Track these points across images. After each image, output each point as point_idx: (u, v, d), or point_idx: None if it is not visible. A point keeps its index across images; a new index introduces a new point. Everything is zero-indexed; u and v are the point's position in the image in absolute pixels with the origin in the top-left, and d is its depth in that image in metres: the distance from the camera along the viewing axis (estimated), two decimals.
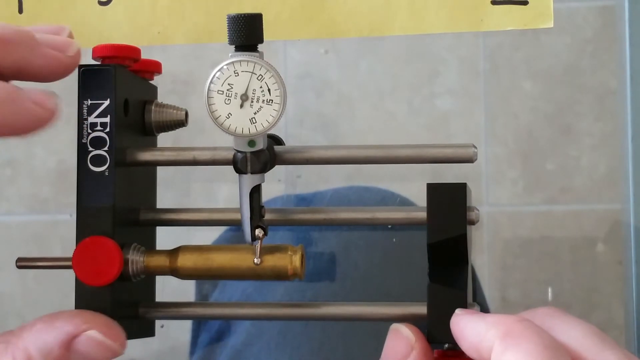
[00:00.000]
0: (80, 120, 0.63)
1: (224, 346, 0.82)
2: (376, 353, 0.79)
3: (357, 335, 0.78)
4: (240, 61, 0.59)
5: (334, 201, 0.86)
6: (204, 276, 0.64)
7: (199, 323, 0.86)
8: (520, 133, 0.93)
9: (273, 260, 0.63)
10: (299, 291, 0.79)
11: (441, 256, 0.62)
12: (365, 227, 0.82)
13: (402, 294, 0.77)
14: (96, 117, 0.63)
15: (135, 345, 0.94)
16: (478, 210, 0.63)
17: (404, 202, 0.84)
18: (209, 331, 0.84)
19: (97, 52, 0.64)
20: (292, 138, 0.94)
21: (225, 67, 0.59)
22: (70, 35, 0.59)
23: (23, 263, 0.65)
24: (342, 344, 0.78)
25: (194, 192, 0.95)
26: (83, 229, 0.62)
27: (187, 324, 0.87)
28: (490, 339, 0.54)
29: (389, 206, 0.76)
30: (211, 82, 0.59)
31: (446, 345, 0.63)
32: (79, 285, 0.62)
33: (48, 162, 0.97)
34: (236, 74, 0.59)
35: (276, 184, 0.90)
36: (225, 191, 0.94)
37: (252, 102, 0.59)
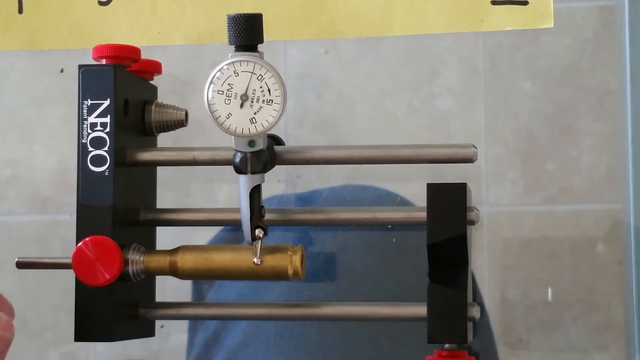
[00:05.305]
0: (80, 120, 0.63)
1: (221, 346, 0.82)
2: (373, 354, 0.79)
3: (354, 335, 0.78)
4: (240, 61, 0.59)
5: (330, 200, 0.86)
6: (204, 276, 0.64)
7: (195, 323, 0.86)
8: (520, 133, 0.93)
9: (273, 261, 0.63)
10: (295, 291, 0.79)
11: (441, 256, 0.62)
12: (364, 227, 0.82)
13: (400, 294, 0.77)
14: (96, 117, 0.63)
15: (136, 345, 0.94)
16: (478, 210, 0.63)
17: (404, 202, 0.84)
18: (205, 331, 0.84)
19: (97, 52, 0.64)
20: (292, 138, 0.93)
21: (225, 67, 0.59)
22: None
23: (23, 263, 0.65)
24: (339, 345, 0.78)
25: (194, 192, 0.95)
26: (83, 229, 0.62)
27: (186, 324, 0.87)
28: None
29: (389, 206, 0.76)
30: (211, 82, 0.59)
31: (446, 346, 0.63)
32: (79, 285, 0.62)
33: (48, 162, 0.97)
34: (236, 74, 0.59)
35: (276, 184, 0.90)
36: (225, 191, 0.94)
37: (252, 102, 0.59)
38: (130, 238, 0.64)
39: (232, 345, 0.81)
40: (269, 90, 0.59)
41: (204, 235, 0.81)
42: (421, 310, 0.62)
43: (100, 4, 0.71)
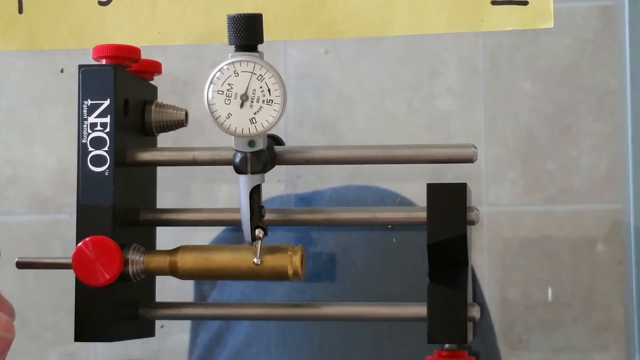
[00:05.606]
0: (80, 120, 0.63)
1: (224, 346, 0.82)
2: (375, 354, 0.79)
3: (356, 336, 0.78)
4: (240, 61, 0.59)
5: (333, 200, 0.86)
6: (204, 276, 0.64)
7: (198, 323, 0.86)
8: (520, 133, 0.93)
9: (273, 261, 0.63)
10: (297, 292, 0.79)
11: (441, 256, 0.62)
12: (364, 228, 0.82)
13: (400, 294, 0.77)
14: (96, 117, 0.63)
15: (136, 345, 0.94)
16: (478, 210, 0.63)
17: (404, 202, 0.84)
18: (208, 331, 0.84)
19: (97, 52, 0.64)
20: (292, 138, 0.93)
21: (225, 67, 0.59)
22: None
23: (23, 263, 0.65)
24: (342, 345, 0.78)
25: (194, 192, 0.95)
26: (83, 229, 0.62)
27: (187, 324, 0.87)
28: None
29: (389, 206, 0.76)
30: (211, 82, 0.59)
31: (446, 346, 0.63)
32: (79, 285, 0.62)
33: (48, 162, 0.97)
34: (236, 74, 0.59)
35: (276, 184, 0.90)
36: (225, 191, 0.94)
37: (252, 102, 0.59)
38: (130, 238, 0.64)
39: (235, 345, 0.81)
40: (269, 90, 0.59)
41: (204, 236, 0.81)
42: (421, 310, 0.62)
43: (100, 4, 0.71)
